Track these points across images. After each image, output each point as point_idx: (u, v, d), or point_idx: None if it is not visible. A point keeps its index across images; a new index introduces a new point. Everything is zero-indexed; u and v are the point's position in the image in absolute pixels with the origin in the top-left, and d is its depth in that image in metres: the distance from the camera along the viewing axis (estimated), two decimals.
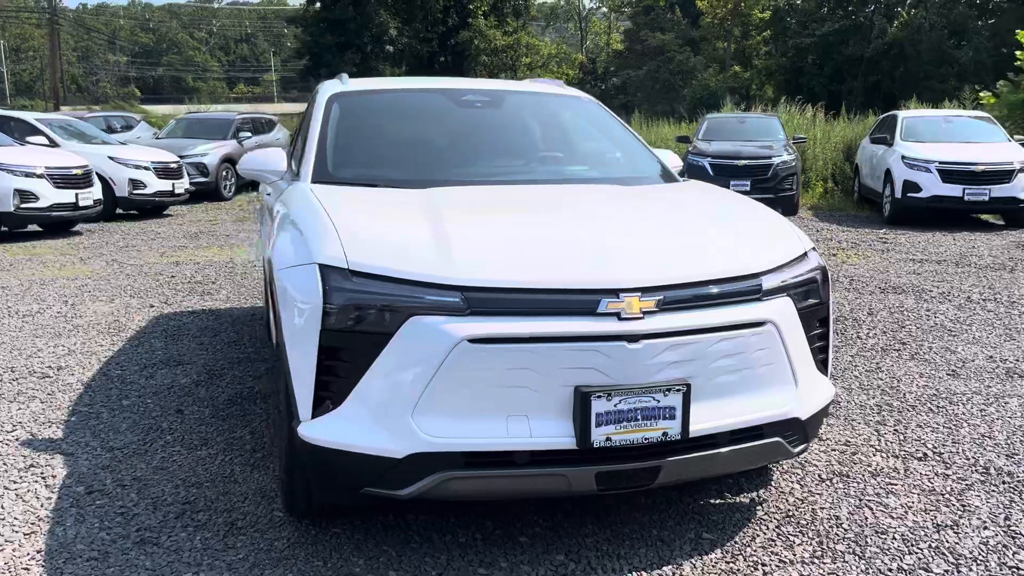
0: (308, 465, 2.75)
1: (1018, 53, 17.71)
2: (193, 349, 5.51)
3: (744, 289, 2.73)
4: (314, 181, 3.54)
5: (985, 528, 3.05)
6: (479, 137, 4.11)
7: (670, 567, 2.79)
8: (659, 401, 2.55)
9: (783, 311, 2.78)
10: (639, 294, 2.55)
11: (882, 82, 35.81)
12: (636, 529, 3.04)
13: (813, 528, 3.05)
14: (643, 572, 2.75)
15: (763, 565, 2.81)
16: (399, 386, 2.51)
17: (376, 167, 3.75)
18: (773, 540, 2.97)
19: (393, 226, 2.90)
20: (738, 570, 2.78)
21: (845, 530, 3.04)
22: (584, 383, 2.51)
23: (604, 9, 69.28)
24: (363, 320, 2.54)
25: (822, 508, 3.21)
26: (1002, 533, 3.01)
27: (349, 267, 2.60)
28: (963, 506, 3.23)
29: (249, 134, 17.92)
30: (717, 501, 3.28)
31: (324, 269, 2.63)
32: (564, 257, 2.69)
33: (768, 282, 2.79)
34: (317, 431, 2.63)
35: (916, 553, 2.88)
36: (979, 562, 2.82)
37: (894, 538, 2.98)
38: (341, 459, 2.61)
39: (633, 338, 2.52)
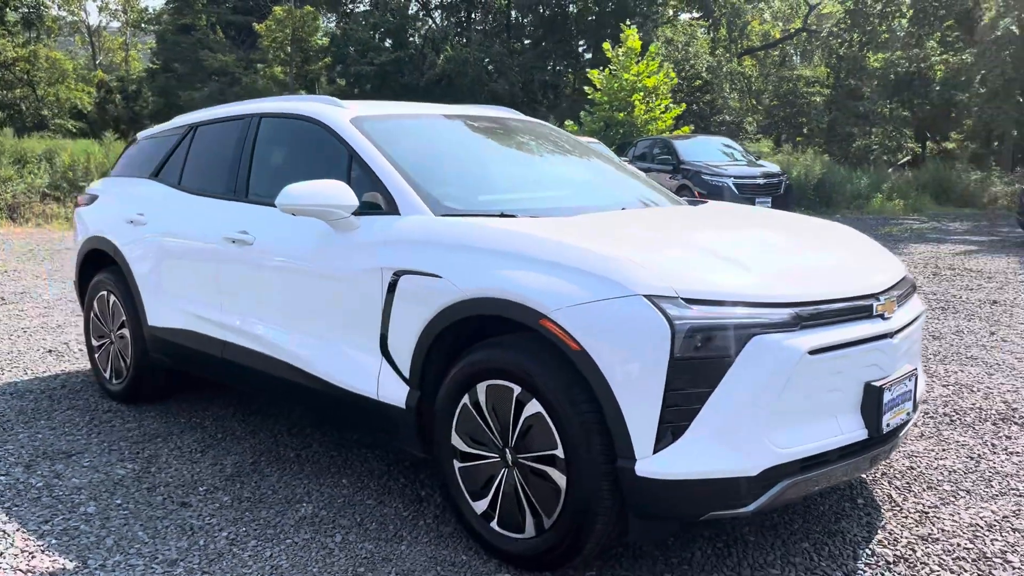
0: (644, 503, 2.62)
1: (586, 88, 20.96)
2: (55, 436, 4.34)
3: (912, 286, 3.30)
4: (437, 215, 3.22)
5: (1011, 455, 3.99)
6: (540, 163, 4.02)
7: (883, 534, 3.21)
8: (907, 386, 2.99)
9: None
10: (888, 295, 2.95)
11: None
12: (814, 515, 3.38)
13: (912, 479, 3.70)
14: (879, 548, 3.13)
15: (924, 513, 3.38)
16: (749, 405, 2.57)
17: (480, 198, 3.49)
18: (904, 495, 3.55)
19: (665, 251, 2.87)
20: (917, 522, 3.30)
21: (932, 474, 3.75)
22: (869, 379, 2.83)
23: (117, 24, 64.25)
24: (706, 346, 2.55)
25: (890, 463, 3.88)
26: (1016, 456, 3.98)
27: (680, 295, 2.57)
28: (958, 443, 4.15)
29: None
30: None
31: (653, 299, 2.56)
32: (831, 271, 2.97)
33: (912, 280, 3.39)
34: (662, 466, 2.54)
35: (998, 480, 3.69)
36: None
37: (971, 472, 3.77)
38: (685, 488, 2.57)
39: (893, 334, 2.92)
